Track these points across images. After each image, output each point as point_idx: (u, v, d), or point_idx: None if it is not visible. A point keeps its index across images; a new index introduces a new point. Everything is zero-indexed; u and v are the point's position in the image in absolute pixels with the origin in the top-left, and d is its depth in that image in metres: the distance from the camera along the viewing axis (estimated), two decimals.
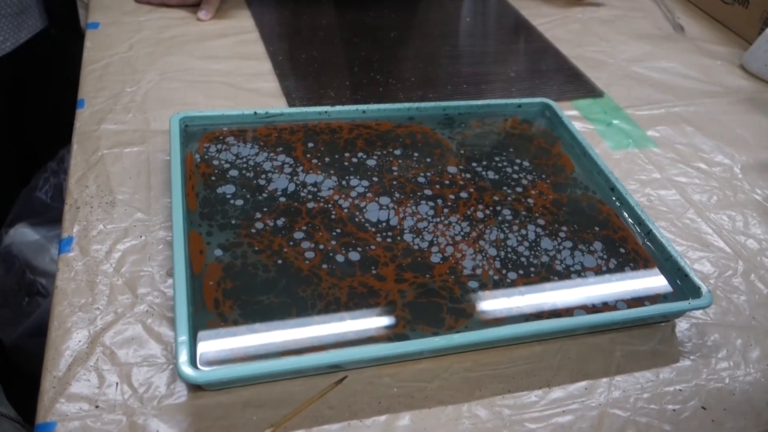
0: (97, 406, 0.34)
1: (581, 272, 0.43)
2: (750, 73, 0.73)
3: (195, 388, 0.35)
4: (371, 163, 0.50)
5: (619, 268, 0.44)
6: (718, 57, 0.76)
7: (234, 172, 0.47)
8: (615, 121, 0.63)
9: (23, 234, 0.72)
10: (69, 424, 0.33)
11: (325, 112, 0.53)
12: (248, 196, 0.45)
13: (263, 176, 0.47)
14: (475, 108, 0.57)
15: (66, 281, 0.40)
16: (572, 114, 0.62)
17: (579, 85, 0.67)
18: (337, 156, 0.50)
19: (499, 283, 0.42)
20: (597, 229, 0.47)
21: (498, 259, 0.43)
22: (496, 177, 0.50)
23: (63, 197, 0.75)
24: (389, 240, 0.44)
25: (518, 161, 0.52)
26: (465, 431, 0.35)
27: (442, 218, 0.46)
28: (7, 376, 0.66)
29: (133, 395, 0.34)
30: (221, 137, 0.50)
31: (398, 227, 0.45)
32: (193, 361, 0.34)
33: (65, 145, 0.79)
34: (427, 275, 0.41)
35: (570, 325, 0.40)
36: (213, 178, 0.46)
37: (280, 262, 0.41)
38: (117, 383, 0.35)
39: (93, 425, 0.33)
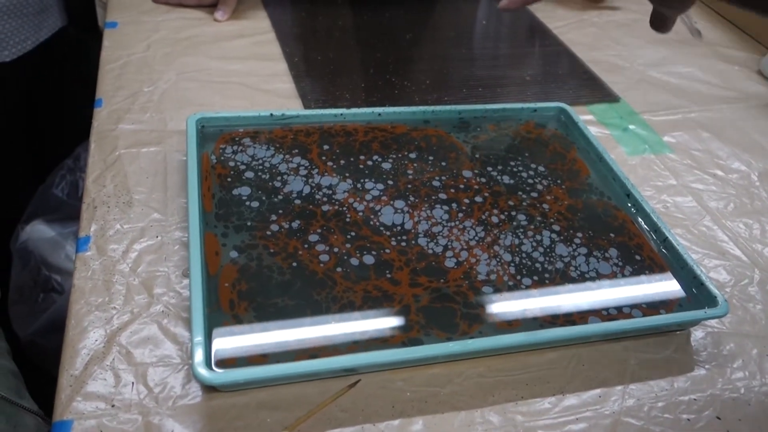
0: (113, 405, 0.34)
1: (596, 279, 0.43)
2: None
3: (210, 388, 0.35)
4: (386, 166, 0.50)
5: (635, 275, 0.44)
6: (736, 62, 0.76)
7: (250, 174, 0.47)
8: (631, 127, 0.62)
9: (39, 231, 0.72)
10: (85, 422, 0.33)
11: (341, 114, 0.53)
12: (264, 198, 0.45)
13: (279, 178, 0.47)
14: (490, 112, 0.57)
15: (83, 280, 0.40)
16: (588, 119, 0.62)
17: (595, 90, 0.67)
18: (352, 158, 0.50)
19: (514, 289, 0.42)
20: (612, 235, 0.47)
21: (512, 264, 0.43)
22: (511, 181, 0.50)
23: (79, 194, 0.76)
24: (404, 244, 0.44)
25: (533, 166, 0.52)
26: None
27: (457, 222, 0.46)
28: (23, 371, 0.67)
29: (148, 395, 0.35)
30: (237, 138, 0.50)
31: (413, 231, 0.45)
32: (208, 363, 0.34)
33: (81, 142, 0.80)
34: (442, 280, 0.42)
35: (584, 332, 0.40)
36: (229, 179, 0.46)
37: (294, 264, 0.41)
38: (133, 383, 0.35)
39: (109, 424, 0.33)
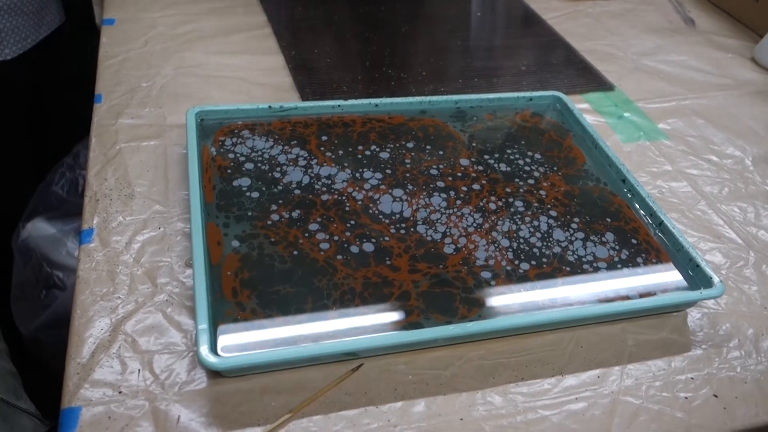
0: (120, 392, 0.35)
1: (593, 263, 0.44)
2: (761, 66, 0.73)
3: (214, 374, 0.36)
4: (384, 155, 0.50)
5: (631, 259, 0.44)
6: (729, 50, 0.76)
7: (249, 165, 0.47)
8: (626, 114, 0.63)
9: (40, 228, 0.73)
10: (93, 408, 0.34)
11: (339, 105, 0.54)
12: (264, 188, 0.46)
13: (278, 169, 0.48)
14: (486, 101, 0.57)
15: (87, 271, 0.41)
16: (583, 107, 0.63)
17: (590, 79, 0.68)
18: (350, 149, 0.50)
19: (512, 274, 0.42)
20: (609, 220, 0.47)
21: (510, 249, 0.44)
22: (508, 169, 0.51)
23: (79, 191, 0.76)
24: (403, 231, 0.44)
25: (530, 154, 0.53)
26: (479, 418, 0.36)
27: (455, 210, 0.46)
28: (25, 369, 0.67)
29: (154, 381, 0.35)
30: (236, 131, 0.50)
31: (411, 219, 0.45)
32: (213, 349, 0.35)
33: (80, 140, 0.80)
34: (441, 266, 0.42)
35: (582, 314, 0.40)
36: (229, 170, 0.47)
37: (295, 253, 0.42)
38: (139, 370, 0.36)
39: (117, 410, 0.34)
